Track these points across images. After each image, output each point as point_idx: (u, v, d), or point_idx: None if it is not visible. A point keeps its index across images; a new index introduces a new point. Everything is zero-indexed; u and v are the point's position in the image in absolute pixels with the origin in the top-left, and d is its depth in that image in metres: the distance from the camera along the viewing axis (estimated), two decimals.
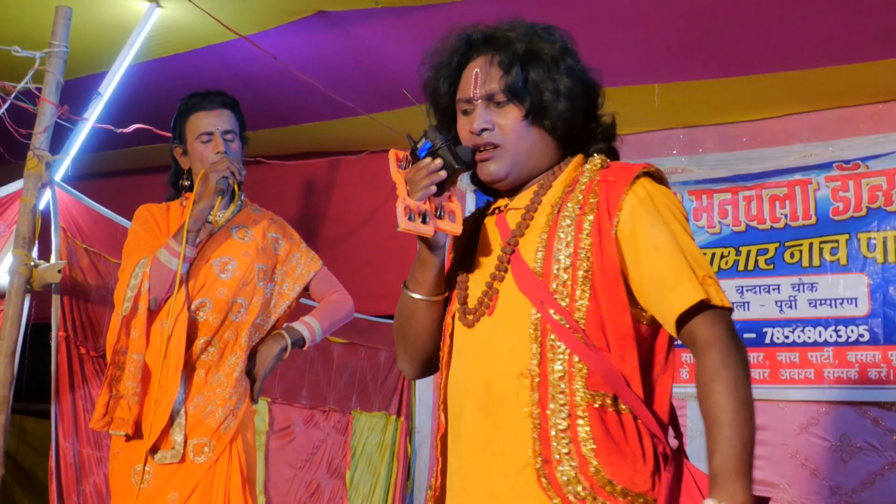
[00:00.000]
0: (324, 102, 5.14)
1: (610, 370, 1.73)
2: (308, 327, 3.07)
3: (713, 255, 5.22)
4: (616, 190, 1.79)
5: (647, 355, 1.80)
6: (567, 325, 1.75)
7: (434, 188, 1.81)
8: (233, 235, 2.99)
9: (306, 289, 3.19)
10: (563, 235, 1.80)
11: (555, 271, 1.79)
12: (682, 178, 5.39)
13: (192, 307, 2.85)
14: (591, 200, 1.81)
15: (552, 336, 1.76)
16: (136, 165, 6.52)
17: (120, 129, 3.87)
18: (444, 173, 1.81)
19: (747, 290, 5.10)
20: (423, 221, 1.81)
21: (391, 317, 6.43)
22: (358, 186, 6.22)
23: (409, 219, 1.81)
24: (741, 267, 5.12)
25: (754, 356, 5.01)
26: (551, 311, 1.77)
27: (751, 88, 4.77)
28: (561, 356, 1.75)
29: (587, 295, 1.76)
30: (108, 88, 4.02)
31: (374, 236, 5.99)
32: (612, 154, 1.96)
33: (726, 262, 5.18)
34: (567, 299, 1.77)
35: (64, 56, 3.45)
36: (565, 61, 1.88)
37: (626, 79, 4.68)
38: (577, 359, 1.74)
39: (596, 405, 1.73)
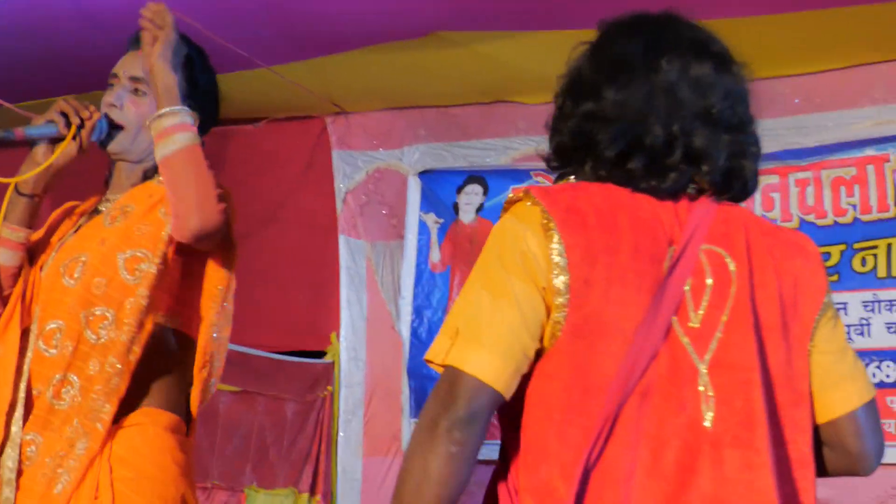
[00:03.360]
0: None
1: None
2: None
3: None
4: None
5: None
6: None
7: None
8: (102, 223, 2.74)
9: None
10: None
11: None
12: None
13: (43, 335, 2.62)
14: None
15: None
16: None
17: None
18: None
19: None
20: None
21: (303, 354, 6.17)
22: (256, 169, 5.94)
23: None
24: None
25: None
26: None
27: (805, 28, 4.60)
28: None
29: None
30: None
31: (278, 241, 5.80)
32: None
33: None
34: None
35: None
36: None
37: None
38: None
39: None
